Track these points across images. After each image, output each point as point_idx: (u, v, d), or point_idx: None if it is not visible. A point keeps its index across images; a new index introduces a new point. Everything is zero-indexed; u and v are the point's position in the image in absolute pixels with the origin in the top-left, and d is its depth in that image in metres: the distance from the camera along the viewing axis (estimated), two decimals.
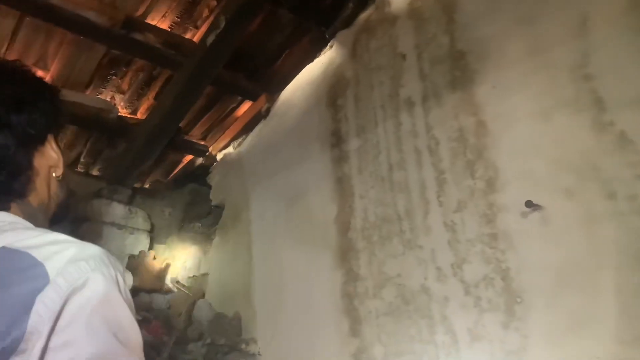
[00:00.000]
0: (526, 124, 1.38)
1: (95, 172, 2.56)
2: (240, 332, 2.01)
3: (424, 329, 1.47)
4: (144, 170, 2.45)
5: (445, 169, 1.54)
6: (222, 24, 1.86)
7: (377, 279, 1.63)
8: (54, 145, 0.71)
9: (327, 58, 2.14)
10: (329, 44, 2.15)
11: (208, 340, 1.79)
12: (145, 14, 1.94)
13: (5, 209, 0.67)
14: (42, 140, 0.68)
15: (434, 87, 1.65)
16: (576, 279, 1.20)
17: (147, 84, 2.21)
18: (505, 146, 1.41)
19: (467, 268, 1.41)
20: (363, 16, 2.02)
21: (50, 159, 0.70)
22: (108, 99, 2.22)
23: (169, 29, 2.03)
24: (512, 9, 1.49)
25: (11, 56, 1.90)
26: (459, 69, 1.59)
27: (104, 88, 2.18)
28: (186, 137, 2.61)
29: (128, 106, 2.31)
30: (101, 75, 2.11)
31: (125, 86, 2.20)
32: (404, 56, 1.79)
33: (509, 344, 1.28)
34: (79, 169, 2.47)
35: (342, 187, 1.86)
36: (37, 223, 0.65)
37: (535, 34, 1.42)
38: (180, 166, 2.83)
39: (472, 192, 1.45)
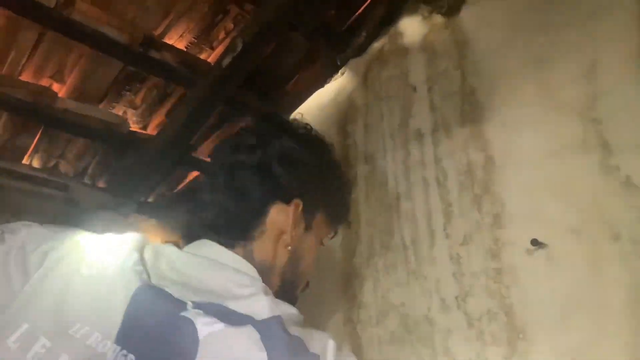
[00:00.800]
0: (534, 163, 1.41)
1: (101, 184, 2.58)
2: None
3: (427, 359, 1.48)
4: (150, 184, 2.47)
5: (453, 202, 1.57)
6: (239, 47, 1.90)
7: (380, 306, 1.65)
8: (298, 213, 0.72)
9: (338, 84, 2.18)
10: (340, 71, 2.19)
11: None
12: (163, 33, 1.98)
13: (230, 245, 0.69)
14: (286, 198, 0.71)
15: (444, 120, 1.69)
16: (579, 316, 1.22)
17: (160, 101, 2.25)
18: (513, 183, 1.44)
19: (471, 301, 1.44)
20: (376, 46, 2.07)
21: (285, 223, 0.71)
22: (120, 114, 2.25)
23: (185, 49, 2.07)
24: (524, 49, 1.53)
25: (29, 68, 1.93)
26: (469, 104, 1.63)
27: (117, 103, 2.21)
28: (194, 154, 2.64)
29: (139, 121, 2.34)
30: (116, 90, 2.15)
31: (138, 101, 2.23)
32: (414, 88, 1.83)
33: None
34: (85, 181, 2.49)
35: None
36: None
37: (546, 75, 1.47)
38: (186, 181, 2.85)
39: (479, 226, 1.48)
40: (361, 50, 2.12)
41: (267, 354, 0.51)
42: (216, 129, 2.50)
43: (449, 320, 1.47)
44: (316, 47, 2.18)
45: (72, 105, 2.05)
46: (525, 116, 1.48)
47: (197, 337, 0.51)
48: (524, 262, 1.35)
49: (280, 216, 0.71)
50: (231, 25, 2.02)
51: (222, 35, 2.06)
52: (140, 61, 1.97)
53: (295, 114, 2.33)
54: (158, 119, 2.34)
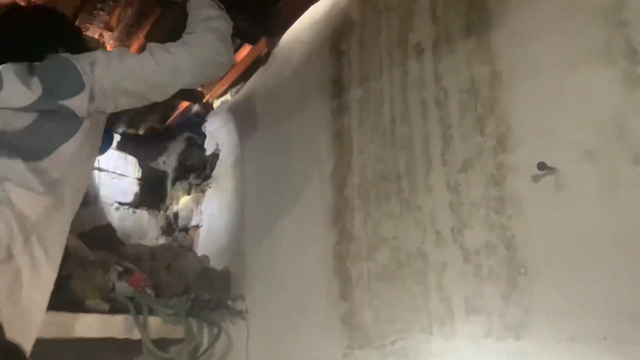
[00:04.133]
0: (547, 76, 1.21)
1: None
2: (228, 287, 1.93)
3: (418, 296, 1.36)
4: (135, 115, 2.32)
5: (453, 124, 1.39)
6: None
7: (371, 240, 1.51)
8: None
9: None
10: None
11: (193, 295, 1.71)
12: None
13: None
14: None
15: (447, 31, 1.47)
16: (590, 251, 1.07)
17: (138, 21, 2.05)
18: (522, 100, 1.25)
19: (468, 233, 1.29)
20: None
21: None
22: (96, 36, 2.07)
23: None
24: None
25: None
26: (475, 11, 1.41)
27: (91, 24, 2.02)
28: None
29: (118, 45, 2.16)
30: (88, 9, 1.96)
31: (113, 22, 2.04)
32: None
33: (508, 318, 1.17)
34: None
35: (341, 141, 1.72)
36: None
37: None
38: (176, 113, 2.69)
39: (481, 150, 1.31)
40: None
41: None
42: None
43: (444, 254, 1.33)
44: None
45: None
46: (538, 22, 1.26)
47: None
48: (530, 190, 1.19)
49: None
50: None
51: None
52: None
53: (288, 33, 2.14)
54: (137, 42, 2.15)
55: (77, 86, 1.03)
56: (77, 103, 1.04)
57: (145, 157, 2.59)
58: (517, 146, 1.24)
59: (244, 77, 2.39)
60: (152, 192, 2.56)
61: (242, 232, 2.09)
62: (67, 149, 1.03)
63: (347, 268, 1.56)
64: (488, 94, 1.33)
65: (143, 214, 2.45)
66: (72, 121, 1.04)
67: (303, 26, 2.08)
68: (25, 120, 0.98)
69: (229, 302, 1.82)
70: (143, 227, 2.42)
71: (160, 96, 1.23)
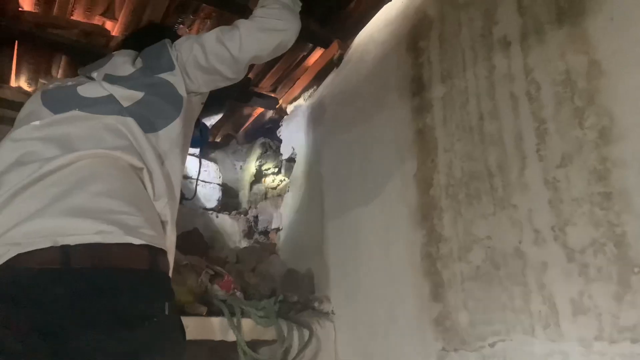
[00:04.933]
0: None
1: None
2: (313, 289, 1.95)
3: (517, 297, 1.32)
4: (214, 123, 2.40)
5: (547, 118, 1.33)
6: None
7: (463, 240, 1.48)
8: None
9: None
10: None
11: (280, 297, 1.75)
12: None
13: None
14: None
15: (535, 22, 1.42)
16: None
17: None
18: (625, 90, 1.18)
19: (571, 232, 1.23)
20: None
21: None
22: None
23: None
24: None
25: (79, 7, 1.86)
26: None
27: None
28: (256, 89, 2.52)
29: None
30: (169, 23, 2.04)
31: (193, 34, 2.12)
32: None
33: (622, 320, 1.11)
34: None
35: (424, 140, 1.70)
36: None
37: None
38: (251, 120, 2.76)
39: (581, 144, 1.25)
40: None
41: None
42: (275, 61, 2.34)
43: (544, 253, 1.28)
44: None
45: None
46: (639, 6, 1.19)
47: None
48: None
49: None
50: None
51: None
52: None
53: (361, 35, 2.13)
54: None
55: (170, 63, 1.18)
56: (173, 78, 1.16)
57: (223, 163, 2.68)
58: (622, 138, 1.17)
59: (316, 81, 2.41)
60: (232, 197, 2.65)
61: (322, 234, 2.11)
62: (176, 126, 1.13)
63: (438, 269, 1.54)
64: (586, 84, 1.26)
65: (225, 219, 2.55)
66: (175, 98, 1.16)
67: (376, 26, 2.07)
68: (136, 95, 1.10)
69: (315, 304, 1.84)
70: (226, 231, 2.50)
71: (232, 71, 1.28)
